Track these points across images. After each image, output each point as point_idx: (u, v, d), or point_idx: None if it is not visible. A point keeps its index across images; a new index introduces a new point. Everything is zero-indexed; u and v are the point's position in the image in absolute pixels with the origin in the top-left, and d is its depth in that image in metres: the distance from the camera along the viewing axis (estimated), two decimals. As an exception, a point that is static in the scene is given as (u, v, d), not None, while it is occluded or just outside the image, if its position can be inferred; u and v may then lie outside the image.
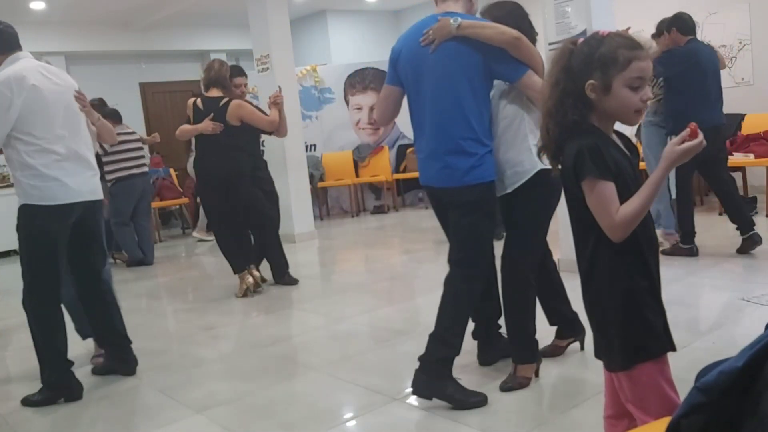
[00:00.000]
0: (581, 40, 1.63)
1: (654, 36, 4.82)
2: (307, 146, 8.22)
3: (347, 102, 9.21)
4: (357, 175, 9.05)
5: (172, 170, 8.89)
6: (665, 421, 0.96)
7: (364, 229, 7.94)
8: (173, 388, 3.20)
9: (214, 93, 4.71)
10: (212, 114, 4.60)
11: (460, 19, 2.56)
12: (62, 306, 3.46)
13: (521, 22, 2.73)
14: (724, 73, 6.79)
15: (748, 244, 4.57)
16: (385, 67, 8.84)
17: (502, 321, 3.05)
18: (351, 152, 9.08)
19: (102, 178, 3.35)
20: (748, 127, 6.46)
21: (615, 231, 1.54)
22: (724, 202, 4.82)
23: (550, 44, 4.42)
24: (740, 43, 6.92)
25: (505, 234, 2.85)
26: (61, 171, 3.01)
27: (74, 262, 3.24)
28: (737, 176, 6.59)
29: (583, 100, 1.57)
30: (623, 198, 1.53)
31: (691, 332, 3.21)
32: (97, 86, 8.42)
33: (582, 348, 3.11)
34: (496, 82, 2.69)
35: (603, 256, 1.59)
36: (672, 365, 1.62)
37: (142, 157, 6.60)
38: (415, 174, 8.62)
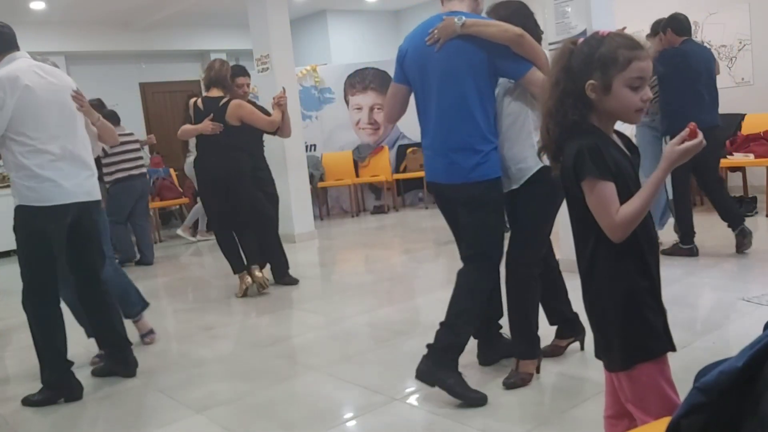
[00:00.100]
0: (581, 40, 1.63)
1: (649, 36, 4.83)
2: (307, 146, 8.22)
3: (347, 102, 9.21)
4: (357, 175, 9.05)
5: (172, 170, 8.89)
6: (665, 421, 0.96)
7: (364, 229, 7.94)
8: (173, 388, 3.21)
9: (215, 93, 4.70)
10: (212, 114, 4.59)
11: (464, 18, 2.60)
12: (66, 306, 3.47)
13: (526, 20, 2.77)
14: (724, 72, 6.84)
15: (741, 239, 4.60)
16: (384, 67, 8.88)
17: (502, 321, 3.06)
18: (351, 152, 9.08)
19: (100, 179, 3.34)
20: (748, 127, 6.46)
21: (615, 231, 1.54)
22: (712, 200, 4.84)
23: (550, 44, 4.42)
24: (740, 43, 6.92)
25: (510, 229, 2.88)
26: (56, 171, 3.00)
27: (72, 263, 3.23)
28: (737, 176, 6.61)
29: (584, 100, 1.57)
30: (623, 198, 1.53)
31: (691, 332, 3.21)
32: (97, 86, 8.42)
33: (582, 348, 3.11)
34: (500, 79, 2.72)
35: (603, 256, 1.59)
36: (672, 365, 1.62)
37: (141, 158, 6.61)
38: (415, 174, 8.75)
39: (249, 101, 5.12)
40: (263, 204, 4.96)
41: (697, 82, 4.61)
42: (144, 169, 6.66)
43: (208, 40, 10.31)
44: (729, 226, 4.68)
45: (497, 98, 2.74)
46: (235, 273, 4.88)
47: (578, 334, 3.08)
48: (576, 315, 3.04)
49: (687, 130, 1.50)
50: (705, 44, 7.07)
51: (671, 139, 1.53)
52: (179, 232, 7.98)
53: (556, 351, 3.08)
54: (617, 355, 1.59)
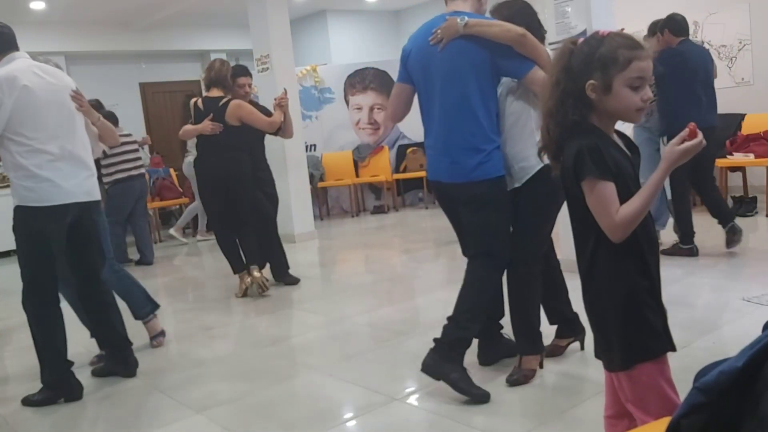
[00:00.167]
0: (581, 40, 1.63)
1: (646, 37, 4.83)
2: (307, 146, 8.22)
3: (347, 102, 9.21)
4: (357, 175, 9.05)
5: (172, 170, 8.89)
6: (665, 421, 0.96)
7: (364, 229, 7.94)
8: (173, 388, 3.21)
9: (215, 93, 4.69)
10: (211, 114, 4.59)
11: (467, 18, 2.63)
12: (70, 306, 3.47)
13: (530, 20, 2.80)
14: (724, 72, 6.84)
15: (731, 236, 4.64)
16: (384, 67, 8.86)
17: (503, 321, 3.06)
18: (351, 152, 9.08)
19: (98, 179, 3.33)
20: (748, 127, 6.46)
21: (615, 231, 1.54)
22: (703, 197, 4.85)
23: (550, 44, 4.40)
24: (740, 43, 6.92)
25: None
26: (54, 171, 3.00)
27: (72, 264, 3.23)
28: (737, 176, 6.61)
29: (584, 100, 1.57)
30: (623, 198, 1.53)
31: (691, 332, 3.21)
32: (97, 86, 8.43)
33: (582, 348, 3.11)
34: (503, 79, 2.75)
35: (603, 256, 1.59)
36: (672, 365, 1.62)
37: (140, 158, 6.60)
38: (415, 174, 8.75)
39: (251, 101, 5.11)
40: (263, 204, 4.96)
41: (694, 83, 4.62)
42: (143, 170, 6.67)
43: (208, 40, 10.31)
44: (719, 222, 4.73)
45: (500, 97, 2.76)
46: (235, 273, 4.88)
47: (578, 334, 3.08)
48: (576, 315, 3.05)
49: (687, 130, 1.50)
50: (705, 44, 7.08)
51: (669, 139, 1.53)
52: (172, 232, 7.91)
53: (556, 351, 3.08)
54: (617, 355, 1.59)
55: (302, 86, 8.74)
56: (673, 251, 4.74)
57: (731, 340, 3.08)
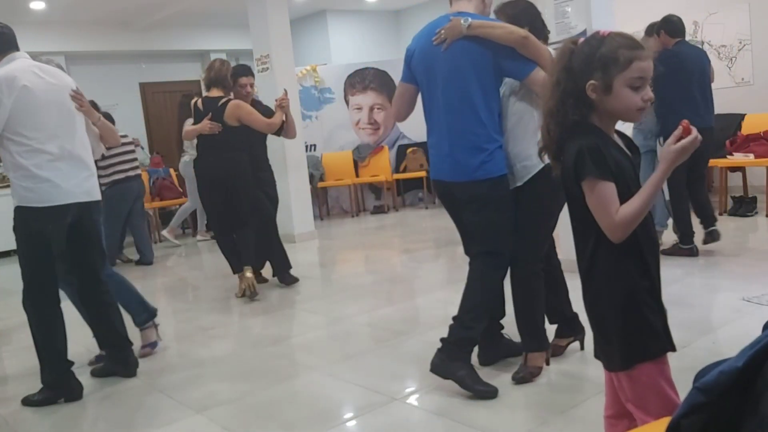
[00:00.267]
0: (582, 40, 1.63)
1: (644, 37, 4.83)
2: (307, 146, 8.23)
3: (347, 102, 9.21)
4: (357, 175, 9.05)
5: (172, 170, 8.89)
6: (665, 421, 0.96)
7: (364, 229, 7.94)
8: (173, 388, 3.21)
9: (215, 93, 4.68)
10: (210, 114, 4.58)
11: (470, 19, 2.65)
12: (74, 305, 3.46)
13: (534, 20, 2.83)
14: (724, 72, 6.84)
15: (708, 238, 4.74)
16: (384, 67, 8.86)
17: (504, 321, 3.06)
18: (351, 152, 9.08)
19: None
20: (748, 127, 6.46)
21: (615, 231, 1.54)
22: (691, 197, 4.87)
23: (550, 44, 4.42)
24: (740, 43, 6.92)
25: None
26: (54, 171, 3.00)
27: (72, 263, 3.23)
28: (737, 176, 6.61)
29: (584, 100, 1.57)
30: (624, 198, 1.53)
31: (691, 332, 3.21)
32: (97, 86, 8.44)
33: (582, 347, 3.11)
34: (506, 79, 2.77)
35: (603, 256, 1.59)
36: (672, 365, 1.62)
37: (136, 159, 6.60)
38: (415, 174, 8.75)
39: (254, 101, 5.07)
40: (264, 204, 4.94)
41: (690, 84, 4.63)
42: (139, 171, 6.66)
43: (208, 40, 10.31)
44: (701, 223, 4.78)
45: (503, 97, 2.78)
46: (234, 273, 4.88)
47: (578, 333, 3.08)
48: (576, 315, 3.05)
49: (680, 128, 1.50)
50: (706, 44, 7.09)
51: (665, 140, 1.53)
52: (164, 234, 7.83)
53: (556, 350, 3.08)
54: (617, 355, 1.59)
55: (302, 86, 8.74)
56: (673, 251, 4.75)
57: (731, 340, 3.08)
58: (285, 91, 4.92)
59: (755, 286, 3.86)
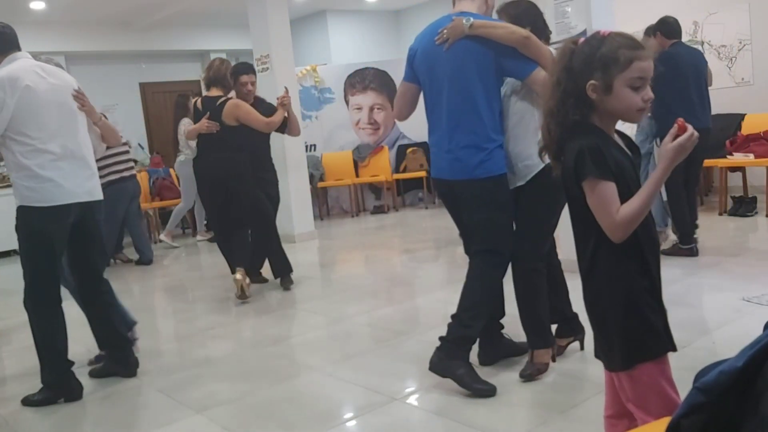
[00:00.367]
0: (582, 39, 1.63)
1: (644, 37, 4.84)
2: (307, 146, 8.22)
3: (347, 102, 9.21)
4: (357, 175, 9.05)
5: (171, 170, 8.88)
6: (666, 421, 0.96)
7: (364, 229, 7.94)
8: (173, 388, 3.21)
9: (214, 92, 4.66)
10: (208, 113, 4.57)
11: (472, 19, 2.67)
12: (78, 304, 3.46)
13: (536, 20, 2.85)
14: (724, 72, 6.84)
15: (676, 247, 4.76)
16: (384, 67, 8.84)
17: (505, 321, 3.06)
18: (351, 152, 9.08)
19: None
20: (748, 127, 6.46)
21: (615, 231, 1.54)
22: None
23: (551, 44, 4.42)
24: (740, 43, 6.92)
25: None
26: (56, 171, 3.00)
27: (74, 263, 3.23)
28: (737, 176, 6.61)
29: (585, 100, 1.57)
30: (624, 198, 1.53)
31: (691, 332, 3.21)
32: (97, 86, 8.43)
33: (582, 347, 3.12)
34: (508, 79, 2.79)
35: (603, 256, 1.59)
36: (672, 365, 1.62)
37: (130, 159, 6.60)
38: (415, 174, 8.75)
39: (257, 99, 5.02)
40: (264, 204, 4.89)
41: (686, 85, 4.63)
42: (134, 171, 6.66)
43: (208, 40, 10.31)
44: (674, 224, 4.83)
45: (504, 97, 2.80)
46: (233, 273, 4.86)
47: (578, 333, 3.09)
48: (576, 315, 3.05)
49: (675, 126, 1.51)
50: (705, 44, 7.09)
51: (661, 141, 1.53)
52: (162, 237, 7.79)
53: (555, 352, 3.08)
54: (618, 355, 1.59)
55: (302, 86, 8.74)
56: (673, 251, 4.75)
57: (731, 340, 3.08)
58: (286, 89, 4.89)
59: (755, 286, 3.86)
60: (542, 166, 2.66)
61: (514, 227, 2.86)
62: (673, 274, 4.20)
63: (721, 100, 6.50)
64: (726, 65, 7.00)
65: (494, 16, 2.88)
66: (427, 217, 8.20)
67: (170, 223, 7.80)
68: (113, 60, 9.90)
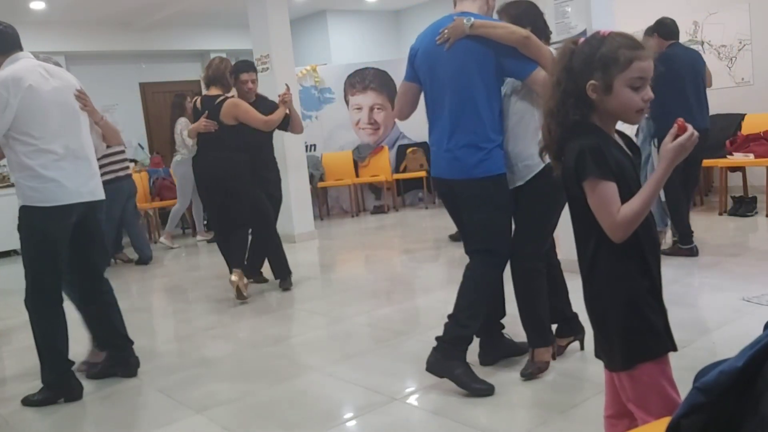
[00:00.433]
0: (582, 40, 1.63)
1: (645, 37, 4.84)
2: (307, 146, 8.22)
3: (347, 102, 9.21)
4: (357, 175, 9.05)
5: (171, 170, 8.88)
6: (666, 421, 0.96)
7: (364, 229, 7.94)
8: (173, 388, 3.21)
9: (213, 91, 4.64)
10: (206, 112, 4.55)
11: (473, 19, 2.68)
12: (75, 307, 3.45)
13: (536, 20, 2.87)
14: (724, 72, 6.84)
15: (676, 246, 4.77)
16: (384, 67, 8.83)
17: (505, 321, 3.06)
18: (351, 152, 9.08)
19: None
20: (748, 127, 6.46)
21: (616, 231, 1.54)
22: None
23: (551, 44, 4.42)
24: (740, 43, 6.92)
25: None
26: (59, 171, 3.01)
27: (75, 262, 3.24)
28: (737, 176, 6.61)
29: (585, 100, 1.57)
30: (625, 198, 1.54)
31: (691, 332, 3.21)
32: (97, 86, 8.42)
33: (582, 347, 3.12)
34: (508, 79, 2.79)
35: (604, 256, 1.59)
36: (672, 365, 1.62)
37: (125, 159, 6.59)
38: (415, 174, 8.75)
39: (259, 96, 4.98)
40: (264, 205, 4.84)
41: (682, 86, 4.63)
42: (129, 171, 6.65)
43: (208, 40, 10.31)
44: (673, 226, 4.82)
45: (504, 97, 2.80)
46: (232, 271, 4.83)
47: (578, 333, 3.09)
48: (576, 314, 3.06)
49: (675, 126, 1.51)
50: (705, 44, 7.09)
51: (660, 142, 1.53)
52: (162, 240, 7.76)
53: (556, 350, 3.08)
54: (618, 355, 1.59)
55: (302, 86, 8.74)
56: (673, 251, 4.75)
57: (731, 340, 3.08)
58: (287, 86, 4.87)
59: (755, 286, 3.86)
60: (542, 166, 2.67)
61: (514, 227, 2.87)
62: (673, 274, 4.20)
63: (721, 100, 6.50)
64: (726, 65, 7.00)
65: (495, 16, 2.88)
66: (427, 217, 8.20)
67: (168, 224, 7.80)
68: (113, 60, 9.90)
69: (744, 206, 6.07)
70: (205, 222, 8.09)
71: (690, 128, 1.50)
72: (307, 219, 7.33)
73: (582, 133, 1.58)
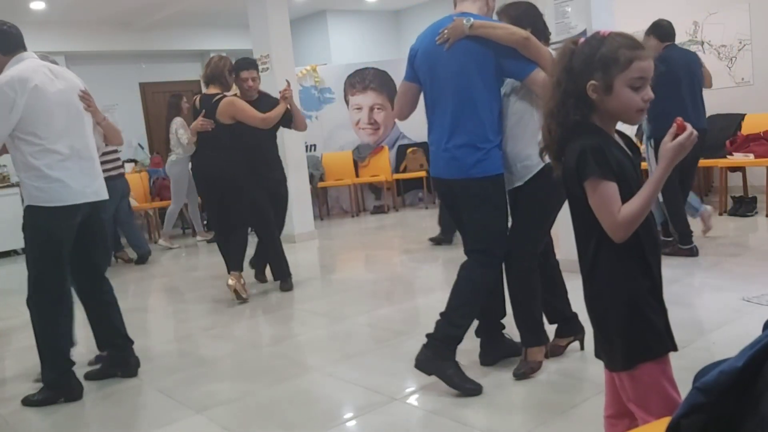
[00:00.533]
0: (582, 40, 1.63)
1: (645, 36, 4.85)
2: (307, 146, 8.22)
3: (347, 102, 9.21)
4: (357, 175, 9.05)
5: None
6: (666, 421, 0.96)
7: (364, 229, 7.94)
8: (173, 388, 3.21)
9: (212, 90, 4.62)
10: (204, 111, 4.54)
11: (472, 20, 2.69)
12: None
13: (535, 21, 2.87)
14: (724, 72, 6.84)
15: (675, 245, 4.76)
16: (384, 67, 8.80)
17: (505, 321, 3.06)
18: (351, 152, 9.08)
19: None
20: (748, 127, 6.46)
21: (617, 231, 1.54)
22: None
23: (551, 44, 4.42)
24: (740, 43, 6.92)
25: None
26: (64, 172, 3.02)
27: (77, 261, 3.24)
28: (737, 176, 6.61)
29: (585, 101, 1.57)
30: (625, 198, 1.54)
31: (691, 332, 3.21)
32: (97, 86, 8.39)
33: (582, 347, 3.12)
34: (507, 79, 2.80)
35: (605, 256, 1.59)
36: (672, 365, 1.62)
37: (119, 159, 6.59)
38: (415, 174, 8.75)
39: (262, 94, 4.94)
40: (262, 205, 4.80)
41: (678, 87, 4.64)
42: (122, 170, 6.65)
43: (208, 40, 10.31)
44: (673, 227, 4.81)
45: (503, 97, 2.81)
46: (229, 273, 4.81)
47: (578, 333, 3.09)
48: (575, 314, 3.06)
49: (674, 125, 1.51)
50: (706, 44, 7.09)
51: (656, 142, 1.54)
52: (161, 242, 7.76)
53: (556, 350, 3.08)
54: (619, 355, 1.59)
55: (302, 86, 8.74)
56: (673, 251, 4.75)
57: (731, 340, 3.08)
58: (287, 82, 4.84)
59: (755, 286, 3.86)
60: (541, 166, 2.67)
61: (511, 226, 2.87)
62: (673, 274, 4.20)
63: (721, 100, 6.50)
64: (726, 65, 7.00)
65: (494, 17, 2.88)
66: (427, 217, 8.19)
67: (165, 226, 7.79)
68: (113, 60, 9.90)
69: (744, 206, 6.07)
70: (205, 222, 8.09)
71: (689, 127, 1.51)
72: (307, 219, 7.33)
73: (583, 133, 1.58)
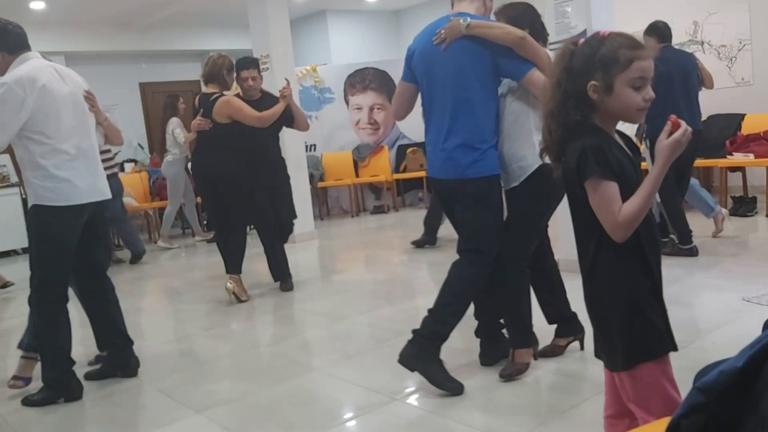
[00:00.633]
0: (582, 40, 1.63)
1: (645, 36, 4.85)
2: (307, 146, 8.22)
3: (347, 102, 9.21)
4: (357, 175, 9.05)
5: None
6: (666, 421, 0.96)
7: (364, 229, 7.94)
8: (173, 388, 3.21)
9: (210, 89, 4.61)
10: (201, 111, 4.53)
11: (469, 20, 2.69)
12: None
13: (534, 22, 2.88)
14: (724, 72, 6.84)
15: (676, 247, 4.76)
16: (384, 67, 8.79)
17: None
18: (351, 152, 9.08)
19: None
20: (748, 127, 6.46)
21: (618, 230, 1.54)
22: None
23: (550, 44, 4.42)
24: (740, 43, 6.92)
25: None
26: (71, 171, 3.03)
27: (78, 260, 3.24)
28: (737, 176, 6.61)
29: (585, 101, 1.57)
30: (626, 198, 1.54)
31: (691, 332, 3.21)
32: (97, 86, 8.39)
33: (582, 347, 3.11)
34: (504, 79, 2.79)
35: (605, 256, 1.59)
36: (672, 365, 1.62)
37: (113, 158, 6.58)
38: (415, 174, 8.75)
39: (265, 93, 4.91)
40: (260, 205, 4.77)
41: (671, 88, 4.64)
42: (116, 170, 6.64)
43: (208, 40, 10.31)
44: (672, 227, 4.82)
45: (500, 97, 2.80)
46: (227, 273, 4.80)
47: (577, 333, 3.09)
48: (575, 314, 3.05)
49: (669, 123, 1.51)
50: (705, 44, 7.09)
51: (651, 142, 1.54)
52: (160, 243, 7.74)
53: (555, 350, 3.08)
54: (619, 355, 1.59)
55: (302, 86, 8.74)
56: (673, 251, 4.75)
57: (731, 340, 3.08)
58: (287, 80, 4.82)
59: (755, 286, 3.86)
60: (536, 166, 2.67)
61: (505, 226, 2.86)
62: (673, 274, 4.20)
63: (721, 100, 6.51)
64: (726, 65, 7.00)
65: (492, 17, 2.88)
66: (427, 217, 8.18)
67: (163, 227, 7.78)
68: (113, 60, 9.90)
69: (744, 206, 6.07)
70: (205, 222, 8.08)
71: (683, 124, 1.51)
72: (307, 219, 7.32)
73: (583, 133, 1.58)
